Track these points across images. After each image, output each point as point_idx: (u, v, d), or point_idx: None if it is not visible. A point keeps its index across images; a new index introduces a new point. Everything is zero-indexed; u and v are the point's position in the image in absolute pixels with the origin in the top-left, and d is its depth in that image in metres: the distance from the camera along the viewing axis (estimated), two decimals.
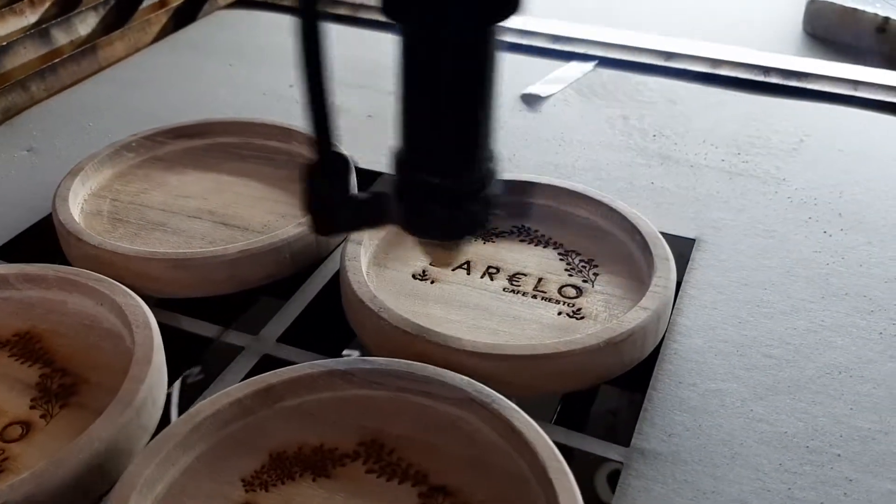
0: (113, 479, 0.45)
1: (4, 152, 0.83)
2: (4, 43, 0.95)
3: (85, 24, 1.07)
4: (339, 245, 0.68)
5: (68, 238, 0.64)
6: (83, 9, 1.06)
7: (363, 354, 0.61)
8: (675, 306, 0.62)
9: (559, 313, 0.59)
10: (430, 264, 0.61)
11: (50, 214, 0.67)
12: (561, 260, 0.64)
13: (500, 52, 0.41)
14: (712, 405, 0.54)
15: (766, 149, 0.83)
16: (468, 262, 0.64)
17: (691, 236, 0.70)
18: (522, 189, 0.70)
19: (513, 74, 0.99)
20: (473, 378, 0.50)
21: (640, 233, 0.63)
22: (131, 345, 0.53)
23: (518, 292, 0.61)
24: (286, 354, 0.58)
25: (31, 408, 0.51)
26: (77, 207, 0.68)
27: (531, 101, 0.93)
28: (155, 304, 0.60)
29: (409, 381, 0.50)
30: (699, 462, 0.50)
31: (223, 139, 0.78)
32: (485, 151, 0.44)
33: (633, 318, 0.55)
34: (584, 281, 0.62)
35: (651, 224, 0.64)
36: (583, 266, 0.63)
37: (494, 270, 0.63)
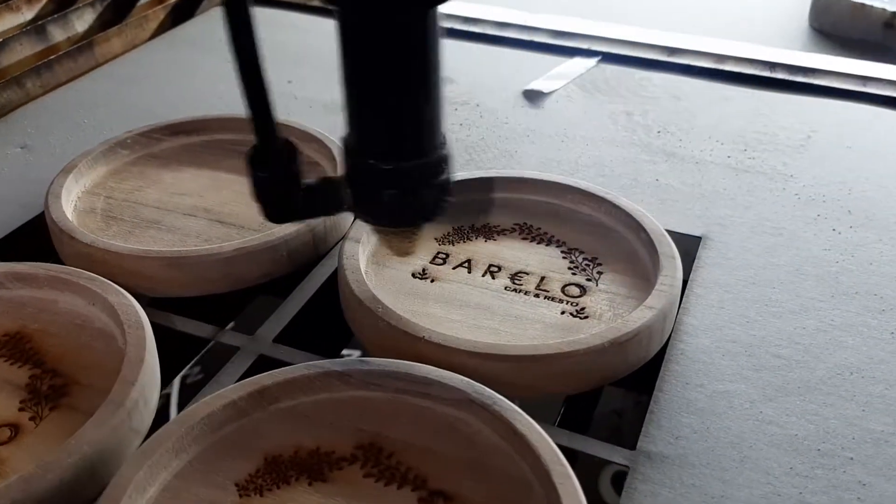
0: (103, 484, 0.44)
1: None
2: (0, 40, 0.93)
3: (82, 21, 1.06)
4: (337, 243, 0.66)
5: (61, 236, 0.62)
6: (80, 5, 1.04)
7: (362, 355, 0.59)
8: (682, 305, 0.60)
9: (562, 313, 0.57)
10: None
11: (43, 212, 0.65)
12: (564, 258, 0.63)
13: (442, 35, 0.40)
14: (720, 407, 0.52)
15: (773, 145, 0.82)
16: (469, 261, 0.62)
17: (697, 234, 0.68)
18: (524, 186, 0.68)
19: (515, 70, 0.98)
20: (474, 379, 0.49)
21: (644, 230, 0.62)
22: (123, 345, 0.52)
23: (520, 291, 0.59)
24: (283, 355, 0.57)
25: (21, 410, 0.50)
26: (70, 205, 0.67)
27: (533, 97, 0.91)
28: (148, 303, 0.59)
29: (409, 383, 0.49)
30: (707, 465, 0.48)
31: (220, 136, 0.77)
32: (434, 137, 0.43)
33: (639, 317, 0.54)
34: (588, 279, 0.60)
35: (656, 221, 0.62)
36: (586, 264, 0.62)
37: (496, 269, 0.61)
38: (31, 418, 0.50)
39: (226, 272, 0.60)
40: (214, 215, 0.67)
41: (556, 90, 0.93)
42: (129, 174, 0.73)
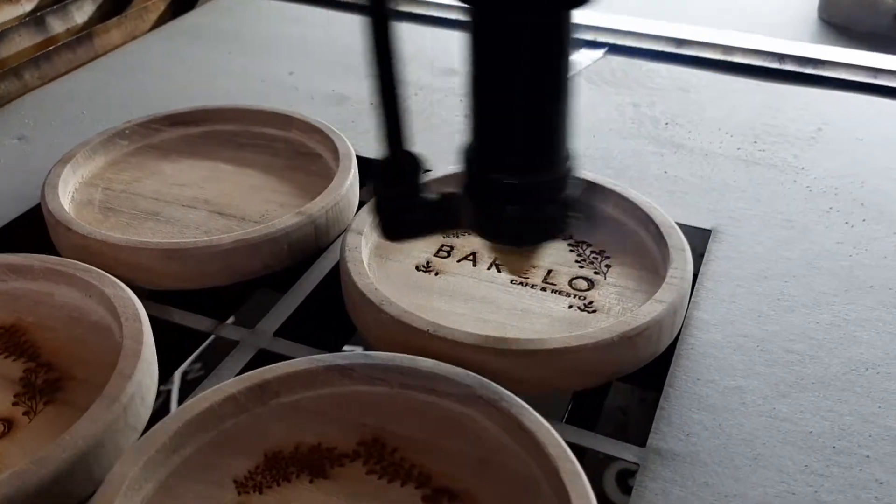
0: (98, 480, 0.43)
1: None
2: None
3: (81, 13, 1.05)
4: (339, 235, 0.65)
5: (57, 228, 0.61)
6: None
7: (365, 349, 0.58)
8: (692, 299, 0.59)
9: (570, 306, 0.56)
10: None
11: (39, 204, 0.64)
12: (571, 251, 0.61)
13: (576, 42, 0.38)
14: (733, 403, 0.51)
15: (783, 137, 0.80)
16: (474, 254, 0.61)
17: (707, 227, 0.67)
18: None
19: None
20: (480, 374, 0.47)
21: (654, 223, 0.60)
22: (120, 338, 0.50)
23: (526, 284, 0.58)
24: (283, 349, 0.55)
25: (14, 404, 0.49)
26: (67, 196, 0.66)
27: None
28: (146, 296, 0.57)
29: (413, 377, 0.48)
30: (720, 463, 0.47)
31: (220, 126, 0.76)
32: (563, 150, 0.40)
33: (649, 311, 0.52)
34: (596, 273, 0.59)
35: (665, 214, 0.61)
36: (594, 257, 0.60)
37: (499, 261, 0.60)
38: (25, 413, 0.48)
39: (225, 264, 0.59)
40: (214, 207, 0.66)
41: None
42: (127, 165, 0.71)
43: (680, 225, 0.60)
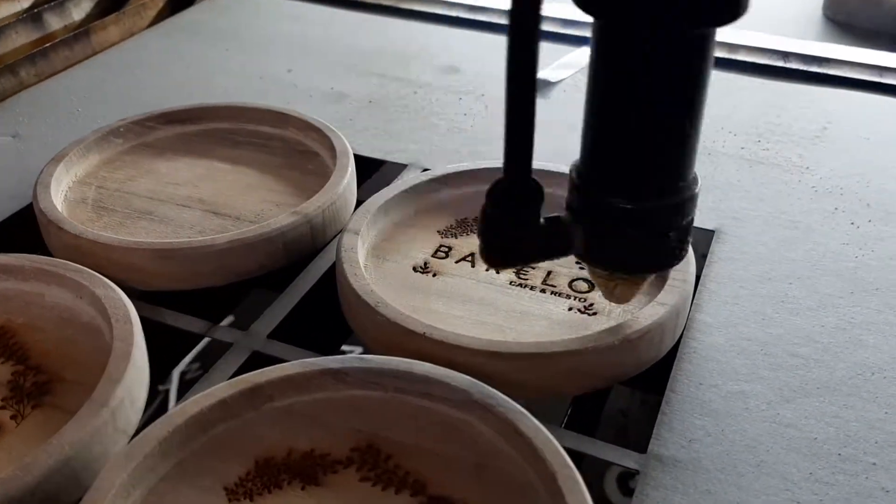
0: (85, 487, 0.42)
1: None
2: None
3: (79, 9, 1.04)
4: (335, 235, 0.64)
5: (48, 227, 0.60)
6: None
7: (361, 352, 0.57)
8: (694, 301, 0.58)
9: (570, 308, 0.55)
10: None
11: (31, 203, 0.63)
12: None
13: (714, 59, 0.35)
14: (736, 408, 0.50)
15: (788, 136, 0.79)
16: (473, 255, 0.60)
17: (710, 227, 0.66)
18: None
19: None
20: (477, 378, 0.46)
21: None
22: (110, 340, 0.49)
23: (526, 286, 0.57)
24: (277, 352, 0.54)
25: (1, 408, 0.48)
26: (60, 195, 0.65)
27: (541, 86, 0.89)
28: (138, 297, 0.56)
29: (408, 382, 0.47)
30: (722, 470, 0.46)
31: (216, 125, 0.75)
32: (689, 173, 0.38)
33: (650, 314, 0.51)
34: None
35: None
36: None
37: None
38: (13, 417, 0.47)
39: (219, 265, 0.58)
40: (209, 206, 0.65)
41: (564, 79, 0.90)
42: (122, 163, 0.70)
43: None
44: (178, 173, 0.69)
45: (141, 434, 0.43)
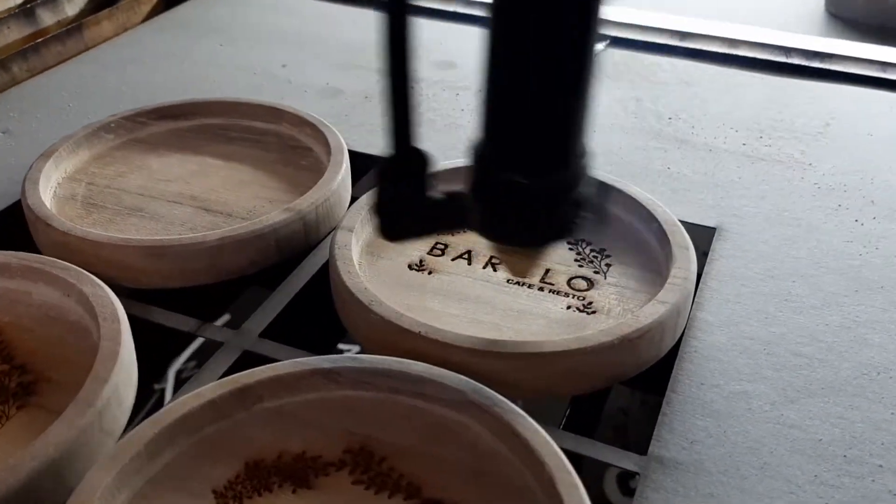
0: (70, 489, 0.40)
1: None
2: None
3: (73, 4, 1.03)
4: (329, 232, 0.63)
5: (36, 224, 0.59)
6: None
7: (355, 352, 0.56)
8: (695, 300, 0.56)
9: (568, 307, 0.54)
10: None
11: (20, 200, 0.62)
12: (570, 249, 0.59)
13: (601, 33, 0.35)
14: (738, 409, 0.48)
15: (790, 133, 0.78)
16: (469, 252, 0.59)
17: (711, 224, 0.64)
18: None
19: None
20: (473, 378, 0.45)
21: (656, 220, 0.58)
22: (98, 339, 0.48)
23: (523, 284, 0.56)
24: (269, 351, 0.53)
25: None
26: (49, 192, 0.64)
27: None
28: (128, 295, 0.55)
29: (402, 382, 0.45)
30: (725, 473, 0.45)
31: (208, 120, 0.73)
32: (580, 146, 0.38)
33: (651, 312, 0.50)
34: (596, 272, 0.57)
35: (668, 211, 0.59)
36: (594, 256, 0.58)
37: (498, 260, 0.58)
38: None
39: (210, 262, 0.57)
40: (201, 202, 0.64)
41: None
42: (112, 159, 0.69)
43: (683, 223, 0.58)
44: (169, 169, 0.68)
45: (127, 435, 0.42)
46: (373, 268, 0.57)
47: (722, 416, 0.48)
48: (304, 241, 0.61)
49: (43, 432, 0.42)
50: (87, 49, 0.98)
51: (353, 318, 0.53)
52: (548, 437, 0.41)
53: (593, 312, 0.53)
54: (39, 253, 0.58)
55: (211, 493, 0.41)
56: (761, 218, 0.65)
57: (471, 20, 1.03)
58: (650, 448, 0.46)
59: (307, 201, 0.60)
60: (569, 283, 0.56)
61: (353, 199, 0.64)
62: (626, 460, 0.45)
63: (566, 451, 0.41)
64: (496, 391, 0.44)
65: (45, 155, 0.65)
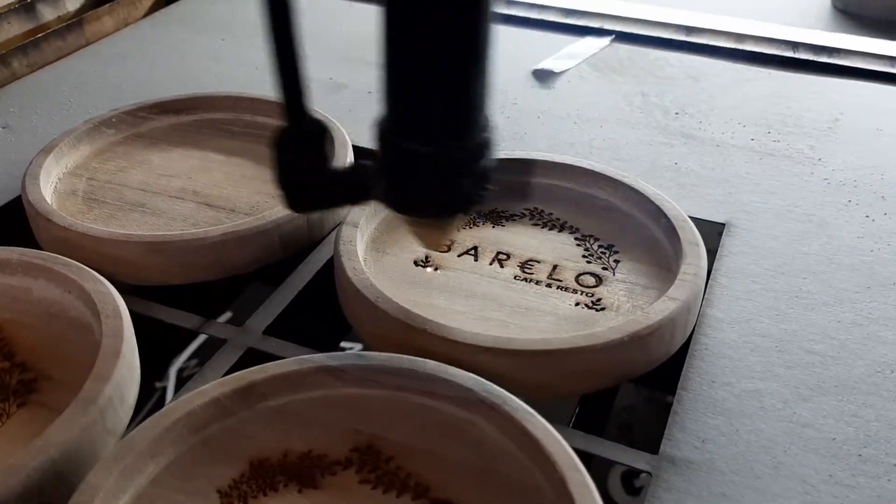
0: (72, 489, 0.40)
1: None
2: None
3: (73, 0, 1.02)
4: (333, 228, 0.62)
5: (37, 219, 0.58)
6: None
7: (360, 349, 0.55)
8: (705, 296, 0.56)
9: (577, 304, 0.53)
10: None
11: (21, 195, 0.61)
12: (578, 245, 0.58)
13: (495, 5, 0.35)
14: (750, 407, 0.48)
15: (799, 128, 0.77)
16: (476, 248, 0.58)
17: (720, 220, 0.64)
18: (534, 169, 0.64)
19: (524, 50, 0.93)
20: (481, 376, 0.44)
21: (665, 216, 0.57)
22: (99, 336, 0.47)
23: (531, 280, 0.55)
24: (274, 348, 0.52)
25: None
26: (50, 187, 0.63)
27: (544, 76, 0.87)
28: (129, 291, 0.54)
29: (410, 380, 0.45)
30: (738, 472, 0.44)
31: (210, 115, 0.73)
32: (479, 117, 0.38)
33: (661, 309, 0.49)
34: (604, 268, 0.56)
35: (677, 206, 0.58)
36: (602, 252, 0.57)
37: (504, 257, 0.57)
38: None
39: (213, 258, 0.56)
40: (203, 198, 0.63)
41: (567, 70, 0.88)
42: (113, 154, 0.68)
43: (692, 218, 0.57)
44: (171, 164, 0.67)
45: (129, 434, 0.41)
46: (378, 264, 0.56)
47: (734, 415, 0.47)
48: (307, 236, 0.60)
49: (44, 431, 0.41)
50: (88, 44, 0.97)
51: (358, 315, 0.52)
52: (559, 437, 0.40)
53: (602, 309, 0.52)
54: (40, 249, 0.57)
55: (215, 493, 0.41)
56: (771, 214, 0.64)
57: None
58: (661, 447, 0.45)
59: None
60: (577, 279, 0.55)
61: None
62: (638, 459, 0.45)
63: (576, 450, 0.40)
64: (504, 389, 0.43)
65: (46, 150, 0.64)
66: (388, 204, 0.42)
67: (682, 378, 0.50)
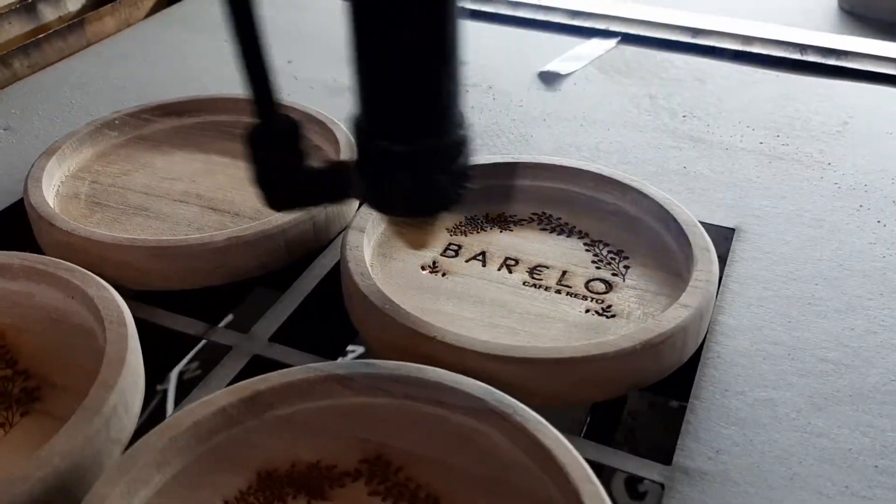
0: (77, 500, 0.39)
1: None
2: None
3: (75, 0, 1.01)
4: (339, 233, 0.61)
5: (39, 223, 0.57)
6: None
7: (367, 356, 0.54)
8: (716, 303, 0.55)
9: (587, 310, 0.52)
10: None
11: (23, 198, 0.60)
12: (587, 250, 0.57)
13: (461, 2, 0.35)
14: (764, 417, 0.47)
15: (808, 131, 0.76)
16: (483, 253, 0.57)
17: (730, 225, 0.63)
18: (543, 172, 0.63)
19: (529, 51, 0.92)
20: (489, 384, 0.44)
21: (675, 221, 0.57)
22: (103, 343, 0.47)
23: (540, 286, 0.54)
24: (279, 355, 0.51)
25: None
26: (52, 190, 0.62)
27: (549, 78, 0.86)
28: (133, 297, 0.53)
29: (419, 388, 0.44)
30: (752, 484, 0.43)
31: (214, 117, 0.72)
32: (453, 115, 0.38)
33: (673, 316, 0.49)
34: (614, 274, 0.55)
35: (687, 211, 0.57)
36: (612, 258, 0.57)
37: (513, 262, 0.56)
38: (0, 425, 0.45)
39: (218, 263, 0.55)
40: (207, 201, 0.62)
41: (573, 72, 0.87)
42: (116, 157, 0.67)
43: (701, 223, 0.57)
44: (174, 167, 0.66)
45: (135, 445, 0.40)
46: (385, 269, 0.55)
47: (747, 425, 0.47)
48: (313, 241, 0.59)
49: (48, 441, 0.41)
50: (89, 45, 0.96)
51: (365, 322, 0.52)
52: (571, 448, 0.40)
53: (613, 316, 0.52)
54: (42, 253, 0.56)
55: None
56: (782, 219, 0.64)
57: (478, 16, 1.01)
58: (675, 457, 0.45)
59: None
60: (586, 285, 0.54)
61: None
62: (651, 470, 0.44)
63: (588, 461, 0.39)
64: (514, 398, 0.43)
65: (48, 152, 0.64)
66: (368, 203, 0.42)
67: (694, 387, 0.49)
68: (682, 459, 0.45)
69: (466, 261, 0.57)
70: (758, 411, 0.47)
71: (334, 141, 0.66)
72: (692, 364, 0.51)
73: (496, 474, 0.41)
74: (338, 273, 0.55)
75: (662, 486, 0.43)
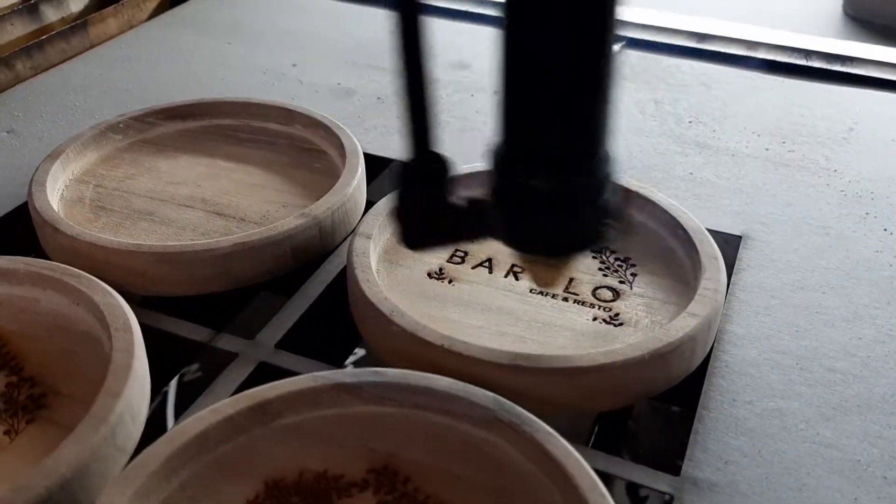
0: None
1: None
2: None
3: (77, 1, 1.01)
4: (345, 238, 0.61)
5: (44, 228, 0.57)
6: None
7: (372, 362, 0.54)
8: (724, 312, 0.55)
9: (594, 318, 0.52)
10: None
11: (27, 202, 0.60)
12: (594, 257, 0.57)
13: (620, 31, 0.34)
14: (773, 427, 0.47)
15: (814, 137, 0.76)
16: (490, 260, 0.57)
17: (737, 232, 0.63)
18: None
19: None
20: (497, 393, 0.43)
21: (683, 228, 0.56)
22: (109, 351, 0.46)
23: (546, 294, 0.54)
24: (285, 363, 0.51)
25: None
26: (56, 194, 0.62)
27: None
28: (138, 303, 0.53)
29: (427, 397, 0.44)
30: (761, 495, 0.43)
31: (219, 121, 0.72)
32: (601, 151, 0.37)
33: (682, 325, 0.48)
34: (621, 282, 0.55)
35: (694, 218, 0.57)
36: (619, 265, 0.56)
37: (519, 269, 0.56)
38: (6, 432, 0.44)
39: (224, 269, 0.55)
40: (212, 206, 0.62)
41: None
42: (120, 161, 0.67)
43: (708, 230, 0.56)
44: (179, 171, 0.66)
45: (142, 454, 0.40)
46: (391, 276, 0.55)
47: (756, 435, 0.46)
48: (319, 247, 0.59)
49: (54, 449, 0.40)
50: (93, 47, 0.96)
51: (371, 329, 0.51)
52: (581, 459, 0.40)
53: (620, 324, 0.51)
54: (47, 258, 0.56)
55: None
56: (788, 226, 0.64)
57: (483, 20, 1.01)
58: (683, 468, 0.45)
59: (323, 206, 0.58)
60: (594, 293, 0.54)
61: (369, 204, 0.62)
62: (659, 481, 0.44)
63: (597, 471, 0.39)
64: (521, 407, 0.43)
65: (52, 156, 0.63)
66: (507, 241, 0.41)
67: (702, 396, 0.49)
68: (691, 470, 0.44)
69: (473, 267, 0.56)
70: (766, 421, 0.47)
71: (339, 146, 0.65)
72: (699, 373, 0.50)
73: (504, 484, 0.41)
74: (344, 279, 0.55)
75: (672, 497, 0.43)
